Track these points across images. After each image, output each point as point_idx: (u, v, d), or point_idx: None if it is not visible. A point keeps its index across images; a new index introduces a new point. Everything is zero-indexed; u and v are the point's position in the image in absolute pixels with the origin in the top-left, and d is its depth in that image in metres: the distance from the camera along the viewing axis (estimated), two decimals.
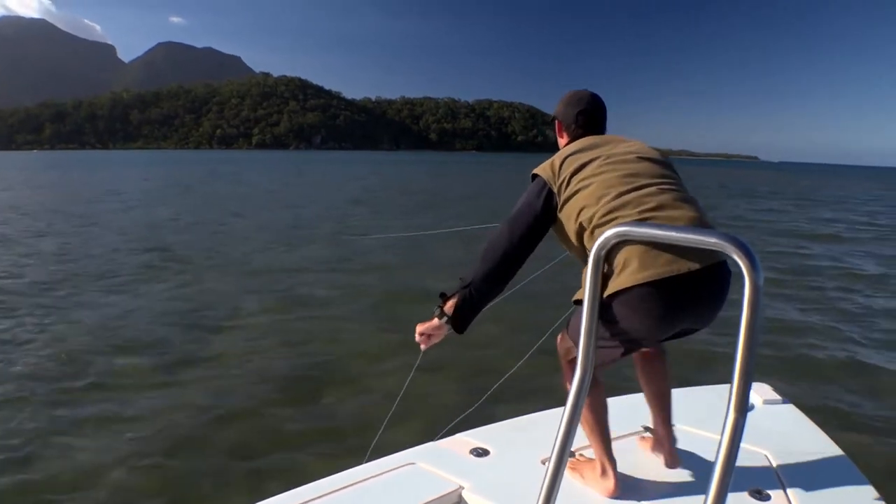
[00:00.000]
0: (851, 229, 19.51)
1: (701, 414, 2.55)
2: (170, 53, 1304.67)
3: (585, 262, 1.60)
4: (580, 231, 1.84)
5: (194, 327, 7.17)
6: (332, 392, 5.32)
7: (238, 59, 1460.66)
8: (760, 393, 2.84)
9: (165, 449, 4.28)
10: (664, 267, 1.63)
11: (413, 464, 2.10)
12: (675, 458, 2.13)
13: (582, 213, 1.82)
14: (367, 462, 2.07)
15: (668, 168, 1.93)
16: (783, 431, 2.52)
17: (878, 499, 2.01)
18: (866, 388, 6.00)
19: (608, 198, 1.78)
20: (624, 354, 1.88)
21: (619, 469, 2.06)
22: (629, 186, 1.80)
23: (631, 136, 2.09)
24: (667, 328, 1.77)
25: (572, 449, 1.62)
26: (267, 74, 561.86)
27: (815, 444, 2.45)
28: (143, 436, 4.45)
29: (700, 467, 2.16)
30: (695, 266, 1.64)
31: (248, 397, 5.11)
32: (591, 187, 1.83)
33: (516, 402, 3.53)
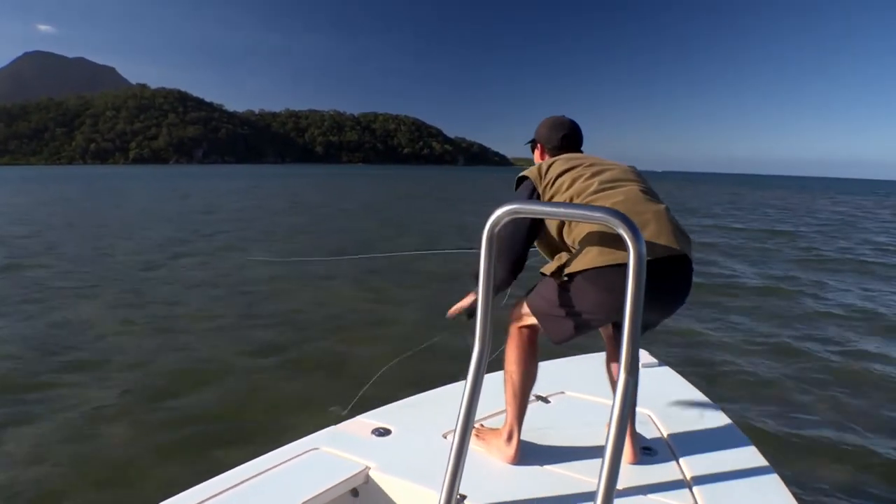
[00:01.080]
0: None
1: (588, 380, 2.73)
2: (38, 63, 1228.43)
3: (555, 253, 1.98)
4: (560, 225, 1.96)
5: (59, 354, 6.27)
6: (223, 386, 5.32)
7: (112, 69, 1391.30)
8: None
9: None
10: (621, 252, 1.65)
11: (316, 449, 2.09)
12: (637, 453, 2.11)
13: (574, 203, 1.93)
14: (268, 452, 2.05)
15: (641, 177, 2.07)
16: (663, 392, 2.70)
17: (755, 452, 2.17)
18: (734, 348, 6.72)
19: (586, 192, 1.92)
20: (576, 331, 1.93)
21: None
22: (604, 186, 1.94)
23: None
24: (618, 311, 1.66)
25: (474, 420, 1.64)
26: (144, 86, 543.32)
27: (693, 401, 2.66)
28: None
29: (592, 430, 2.24)
30: (659, 255, 1.75)
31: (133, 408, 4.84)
32: (573, 187, 1.97)
33: (410, 383, 3.60)
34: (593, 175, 2.00)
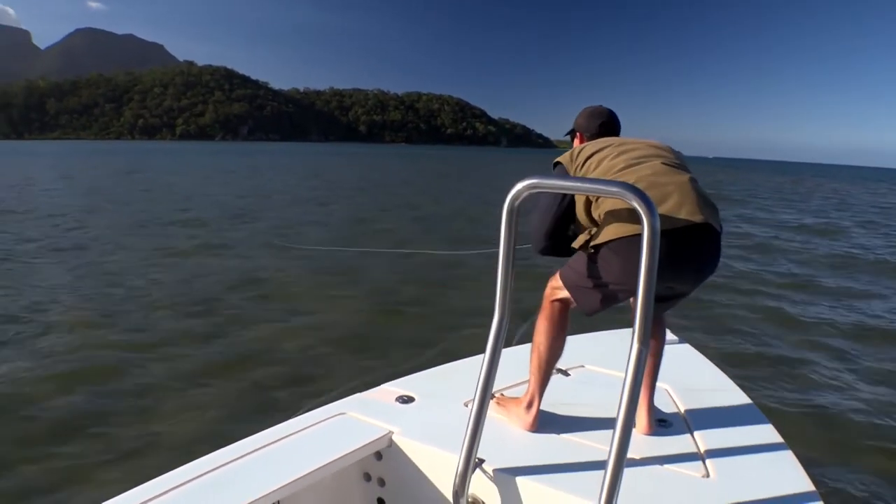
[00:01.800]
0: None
1: (606, 355, 2.81)
2: (88, 40, 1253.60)
3: (586, 230, 2.02)
4: (587, 203, 2.00)
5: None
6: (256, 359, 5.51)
7: (161, 46, 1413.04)
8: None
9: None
10: (663, 222, 1.66)
11: (343, 413, 2.17)
12: (651, 425, 2.17)
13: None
14: (297, 416, 2.13)
15: (674, 154, 2.10)
16: (681, 368, 2.71)
17: (772, 429, 2.18)
18: (758, 331, 6.83)
19: (614, 170, 1.97)
20: (604, 302, 2.00)
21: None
22: (630, 163, 1.98)
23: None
24: (660, 276, 1.73)
25: (493, 390, 1.70)
26: (191, 63, 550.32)
27: (712, 379, 2.69)
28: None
29: (609, 402, 2.12)
30: (680, 225, 1.79)
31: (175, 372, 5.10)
32: (601, 166, 2.03)
33: (433, 355, 3.60)
34: (620, 154, 2.05)
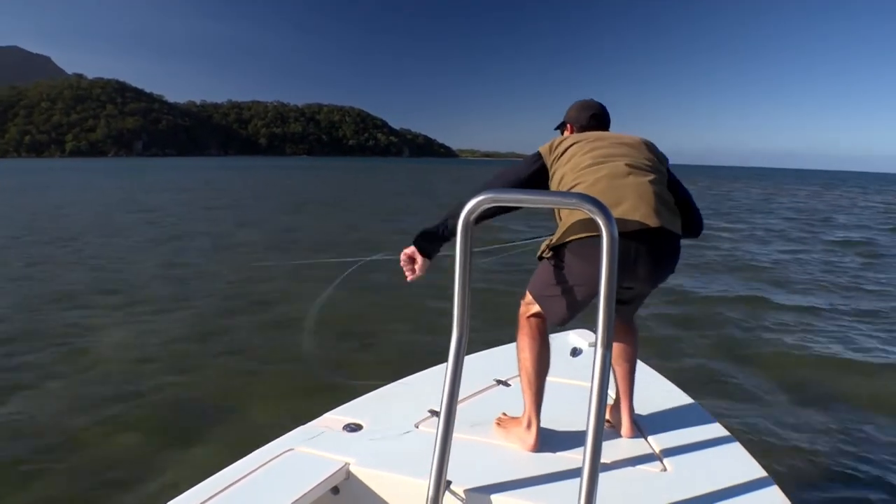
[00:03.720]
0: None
1: (561, 361, 2.80)
2: None
3: (557, 223, 2.06)
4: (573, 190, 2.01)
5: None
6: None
7: (48, 59, 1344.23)
8: (584, 337, 3.30)
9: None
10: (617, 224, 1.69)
11: (291, 449, 2.08)
12: (633, 427, 2.24)
13: (562, 181, 2.07)
14: (243, 457, 2.02)
15: (642, 152, 2.14)
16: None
17: (720, 426, 2.30)
18: (676, 320, 7.25)
19: (579, 167, 2.03)
20: (570, 308, 2.02)
21: (482, 420, 2.28)
22: (595, 161, 2.02)
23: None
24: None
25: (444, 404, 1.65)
26: (80, 76, 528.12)
27: (657, 385, 2.79)
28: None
29: (566, 410, 2.33)
30: (632, 228, 1.82)
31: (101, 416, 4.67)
32: (572, 161, 2.09)
33: (372, 377, 3.16)
34: (589, 151, 2.10)
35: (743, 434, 2.37)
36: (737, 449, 2.13)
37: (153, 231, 16.39)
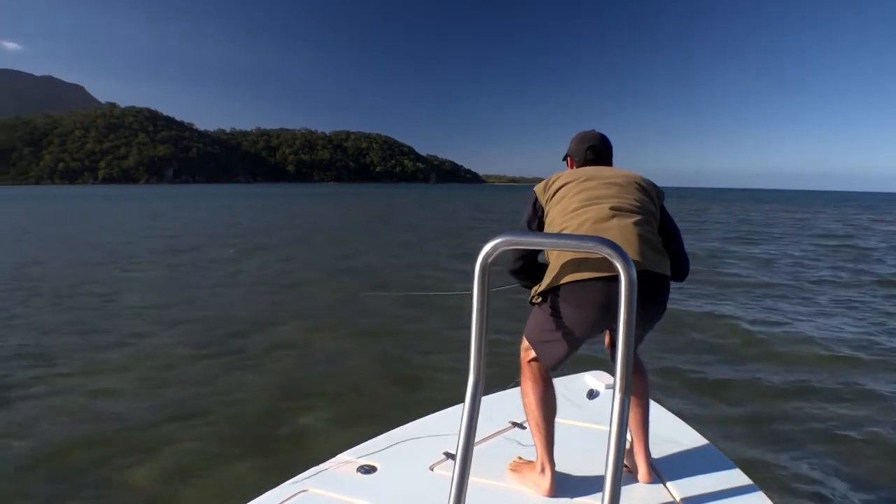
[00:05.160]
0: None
1: (569, 405, 2.78)
2: (4, 82, 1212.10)
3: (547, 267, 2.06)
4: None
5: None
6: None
7: (81, 88, 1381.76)
8: (601, 379, 3.22)
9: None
10: (597, 268, 1.84)
11: (305, 491, 2.07)
12: (650, 472, 2.21)
13: (553, 223, 2.10)
14: (256, 498, 2.01)
15: (631, 192, 2.14)
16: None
17: (740, 473, 2.25)
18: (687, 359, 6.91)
19: (567, 211, 2.06)
20: (562, 351, 2.04)
21: (497, 463, 2.26)
22: (582, 204, 2.05)
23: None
24: (600, 321, 1.93)
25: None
26: (113, 105, 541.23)
27: (671, 427, 2.72)
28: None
29: (583, 453, 2.31)
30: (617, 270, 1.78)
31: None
32: (561, 203, 2.12)
33: (384, 418, 3.23)
34: (578, 192, 2.12)
35: (756, 476, 2.30)
36: (759, 497, 2.07)
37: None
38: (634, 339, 1.99)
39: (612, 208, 2.01)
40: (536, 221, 2.21)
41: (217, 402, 5.52)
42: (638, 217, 2.02)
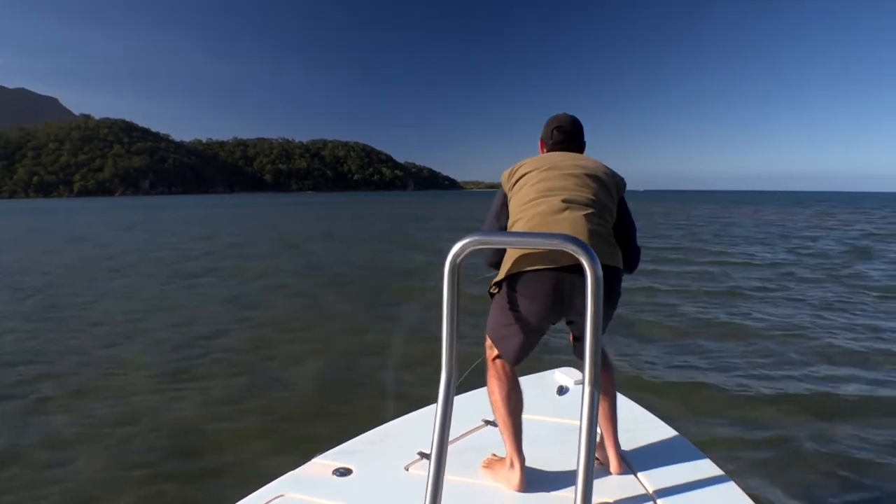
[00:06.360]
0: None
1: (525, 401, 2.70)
2: None
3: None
4: (512, 226, 2.14)
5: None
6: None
7: (55, 100, 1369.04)
8: (570, 375, 3.26)
9: None
10: (548, 259, 1.89)
11: (281, 496, 2.06)
12: (621, 463, 2.24)
13: (512, 214, 2.16)
14: None
15: (586, 184, 2.16)
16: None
17: (711, 463, 2.27)
18: (643, 358, 6.87)
19: (524, 202, 2.11)
20: (525, 342, 2.08)
21: (471, 461, 2.29)
22: (538, 196, 2.09)
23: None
24: (552, 311, 1.98)
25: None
26: (88, 116, 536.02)
27: (632, 412, 2.79)
28: None
29: (554, 448, 2.36)
30: (564, 263, 1.87)
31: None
32: (520, 192, 2.17)
33: (360, 421, 3.24)
34: (537, 182, 2.16)
35: (726, 465, 2.32)
36: (731, 487, 2.10)
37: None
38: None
39: (564, 200, 2.04)
40: (504, 209, 2.25)
41: (178, 407, 5.65)
42: (590, 210, 2.04)
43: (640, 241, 2.34)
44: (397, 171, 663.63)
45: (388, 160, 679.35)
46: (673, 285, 12.66)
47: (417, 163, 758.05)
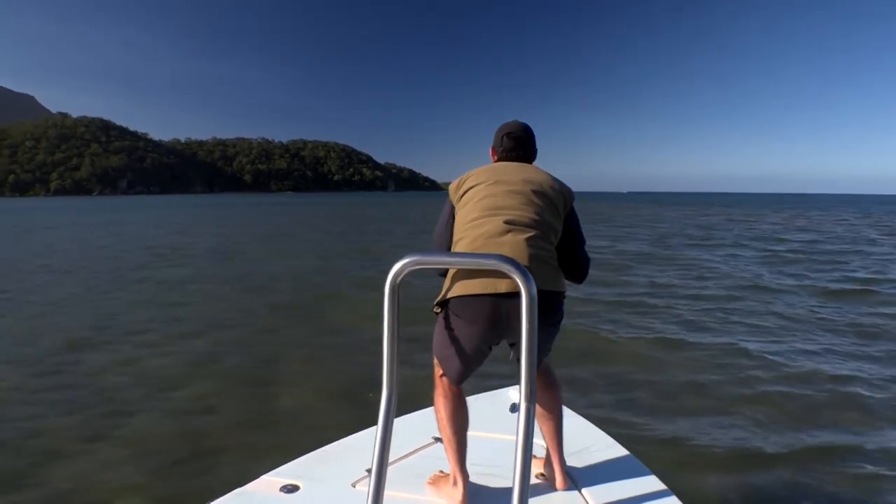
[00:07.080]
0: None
1: (478, 419, 2.68)
2: None
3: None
4: (455, 245, 2.12)
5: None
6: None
7: (31, 98, 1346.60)
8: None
9: None
10: (486, 284, 1.89)
11: None
12: (566, 479, 2.26)
13: (456, 230, 2.14)
14: None
15: (531, 202, 2.12)
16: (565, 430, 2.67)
17: (656, 479, 2.30)
18: (592, 372, 6.67)
19: (467, 220, 2.09)
20: (466, 362, 2.06)
21: (418, 477, 2.30)
22: (482, 214, 2.07)
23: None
24: (490, 335, 1.98)
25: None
26: (65, 115, 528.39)
27: (590, 435, 2.77)
28: None
29: (501, 465, 2.36)
30: (503, 290, 1.88)
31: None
32: (465, 208, 2.15)
33: (309, 438, 3.25)
34: (483, 198, 2.14)
35: (671, 481, 2.42)
36: (673, 502, 2.13)
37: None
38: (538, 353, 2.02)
39: (506, 222, 2.02)
40: (451, 220, 2.23)
41: (129, 422, 5.26)
42: (532, 232, 2.03)
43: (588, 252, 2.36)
44: (378, 172, 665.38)
45: (368, 161, 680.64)
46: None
47: (398, 164, 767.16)
